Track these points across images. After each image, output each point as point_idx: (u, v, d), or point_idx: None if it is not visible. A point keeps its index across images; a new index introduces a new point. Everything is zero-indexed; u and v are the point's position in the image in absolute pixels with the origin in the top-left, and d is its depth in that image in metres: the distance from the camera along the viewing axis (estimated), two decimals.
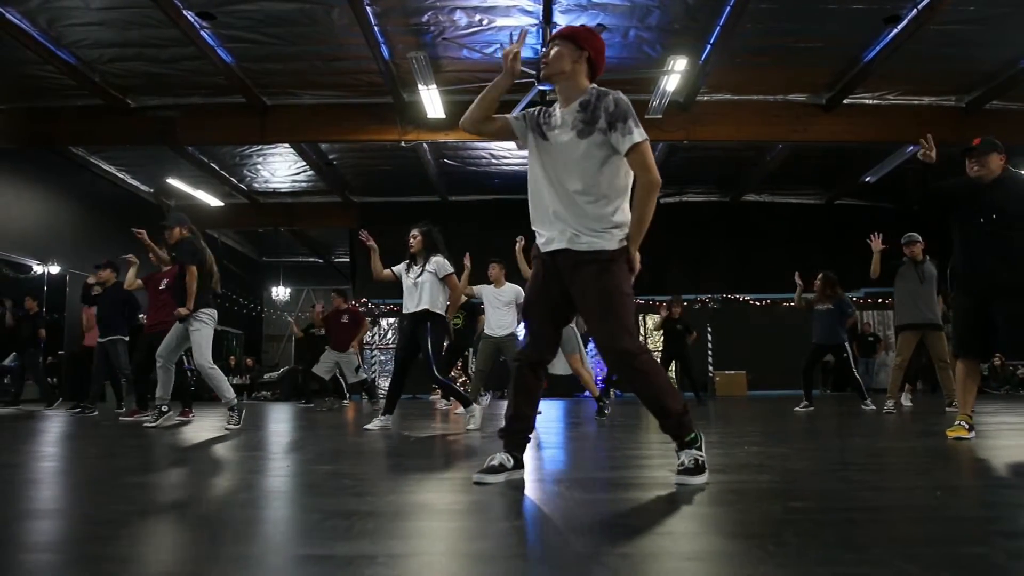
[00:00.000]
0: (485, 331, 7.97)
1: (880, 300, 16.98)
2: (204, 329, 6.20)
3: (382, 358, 16.93)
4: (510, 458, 2.77)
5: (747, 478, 2.81)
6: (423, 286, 6.00)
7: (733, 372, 15.79)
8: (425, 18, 9.42)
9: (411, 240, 6.24)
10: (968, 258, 4.33)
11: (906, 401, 9.13)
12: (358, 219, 17.59)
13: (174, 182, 15.09)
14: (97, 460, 3.97)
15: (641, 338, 16.66)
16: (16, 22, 9.19)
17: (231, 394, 6.25)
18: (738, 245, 16.97)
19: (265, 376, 16.64)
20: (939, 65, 10.78)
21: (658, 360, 10.81)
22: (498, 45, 10.17)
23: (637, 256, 2.83)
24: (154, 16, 9.07)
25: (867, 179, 14.87)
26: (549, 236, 2.85)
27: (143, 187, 16.20)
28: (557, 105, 2.95)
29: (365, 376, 11.19)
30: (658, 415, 2.69)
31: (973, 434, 4.33)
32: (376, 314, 16.71)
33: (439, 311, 5.98)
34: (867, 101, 12.06)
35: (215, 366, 6.20)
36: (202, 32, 9.59)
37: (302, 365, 12.13)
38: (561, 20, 9.45)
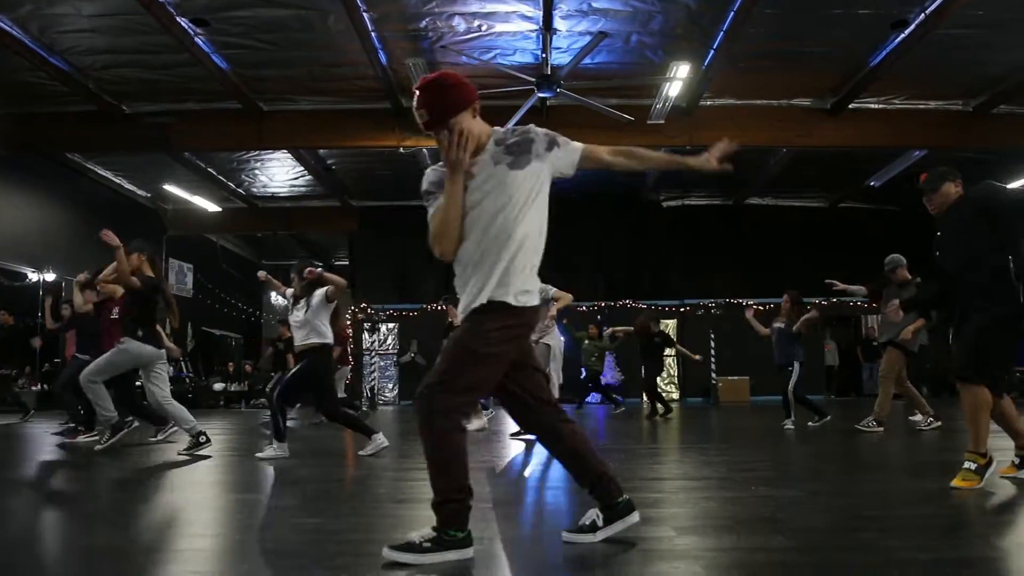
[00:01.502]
0: None
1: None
2: (119, 354, 6.00)
3: (381, 364, 16.77)
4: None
5: (758, 544, 2.61)
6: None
7: (736, 378, 15.61)
8: (423, 24, 9.25)
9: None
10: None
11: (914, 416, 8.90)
12: (358, 223, 17.47)
13: (171, 188, 14.93)
14: None
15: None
16: (7, 29, 9.03)
17: (109, 413, 6.13)
18: (741, 249, 16.79)
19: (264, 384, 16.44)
20: (946, 69, 10.60)
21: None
22: (497, 51, 10.00)
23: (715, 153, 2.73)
24: (147, 23, 8.90)
25: (872, 183, 14.68)
26: None
27: (141, 192, 16.06)
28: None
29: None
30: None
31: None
32: (375, 320, 16.55)
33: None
34: (873, 106, 11.88)
35: (98, 383, 5.99)
36: (196, 39, 9.43)
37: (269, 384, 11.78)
38: (561, 26, 9.28)
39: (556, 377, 7.26)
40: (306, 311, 5.73)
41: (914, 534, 2.73)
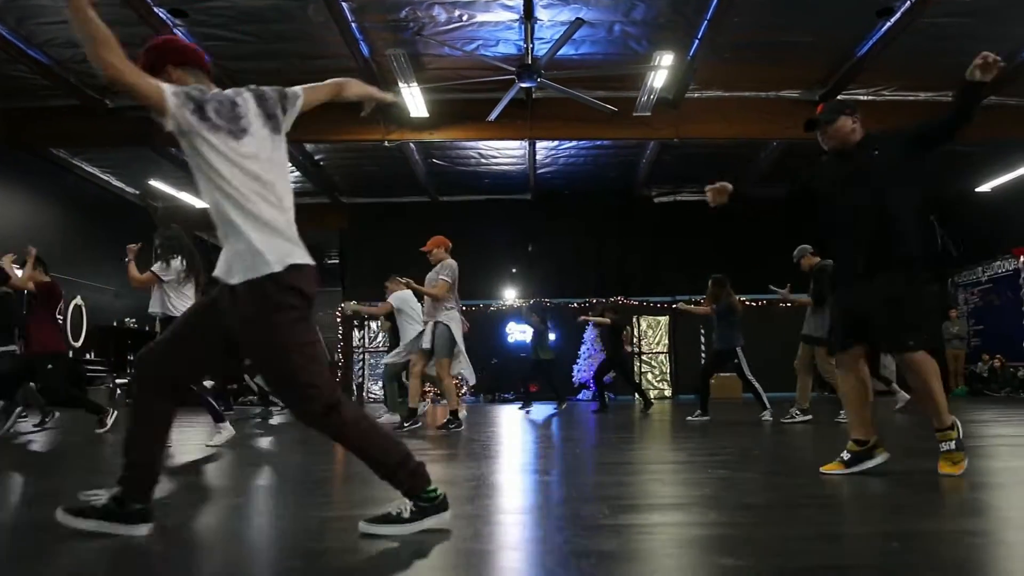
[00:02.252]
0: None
1: None
2: None
3: (371, 361, 16.68)
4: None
5: (690, 519, 2.53)
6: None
7: (727, 375, 15.45)
8: (403, 14, 9.16)
9: None
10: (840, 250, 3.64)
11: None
12: (348, 220, 17.37)
13: (157, 184, 14.85)
14: None
15: (636, 339, 16.38)
16: None
17: None
18: (733, 244, 16.65)
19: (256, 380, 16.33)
20: (935, 59, 10.48)
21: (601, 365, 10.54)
22: (480, 42, 9.92)
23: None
24: (125, 14, 8.80)
25: None
26: None
27: (128, 189, 15.98)
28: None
29: None
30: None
31: (857, 467, 3.44)
32: (365, 317, 16.45)
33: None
34: (862, 97, 11.74)
35: None
36: (175, 30, 9.34)
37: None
38: (542, 15, 9.19)
39: (464, 362, 6.94)
40: None
41: (855, 511, 2.63)
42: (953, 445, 3.29)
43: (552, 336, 12.70)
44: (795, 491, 3.11)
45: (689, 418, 8.10)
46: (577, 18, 7.99)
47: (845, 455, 3.47)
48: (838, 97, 11.42)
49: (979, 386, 14.64)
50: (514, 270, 17.38)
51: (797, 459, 4.61)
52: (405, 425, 6.95)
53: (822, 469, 3.48)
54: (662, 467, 4.09)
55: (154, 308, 6.05)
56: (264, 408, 10.46)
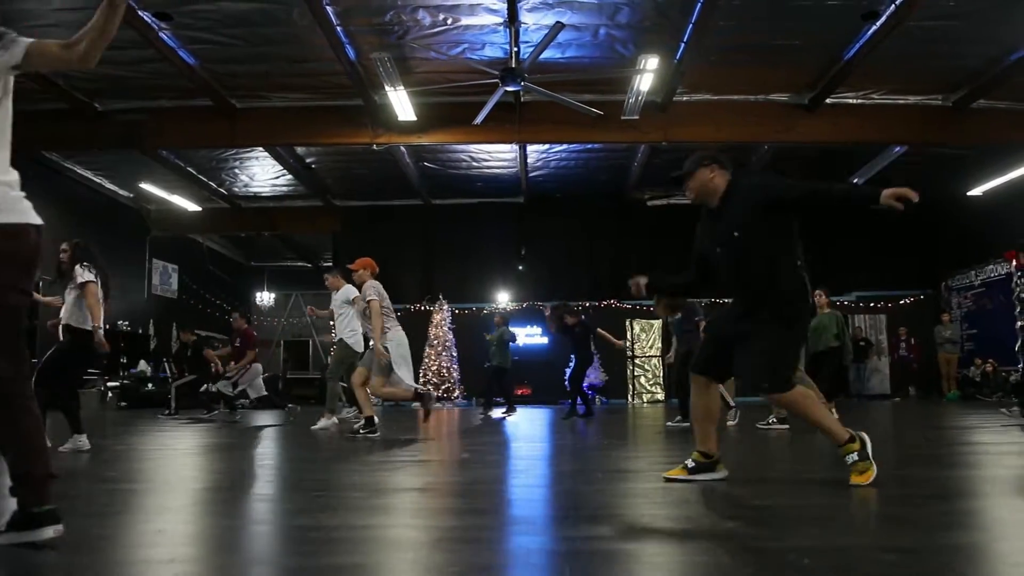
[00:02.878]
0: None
1: (872, 304, 16.65)
2: None
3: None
4: None
5: (576, 534, 2.48)
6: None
7: None
8: (388, 17, 9.16)
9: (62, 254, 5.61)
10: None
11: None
12: (341, 223, 17.38)
13: (148, 187, 14.86)
14: None
15: (629, 342, 16.32)
16: None
17: None
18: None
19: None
20: (923, 63, 10.47)
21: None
22: (466, 45, 9.92)
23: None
24: None
25: (854, 180, 14.53)
26: None
27: (122, 192, 16.00)
28: None
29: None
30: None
31: (701, 476, 3.47)
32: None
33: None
34: (851, 101, 11.75)
35: None
36: (161, 33, 9.36)
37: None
38: (527, 19, 9.19)
39: (405, 373, 6.70)
40: None
41: (778, 525, 2.59)
42: (856, 456, 3.31)
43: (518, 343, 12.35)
44: (730, 501, 3.07)
45: (669, 423, 8.06)
46: (557, 22, 7.98)
47: (690, 463, 3.54)
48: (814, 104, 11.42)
49: (972, 390, 14.59)
50: (520, 267, 17.27)
51: (753, 464, 4.58)
52: (361, 432, 6.65)
53: (665, 475, 3.55)
54: (610, 476, 4.07)
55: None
56: (229, 410, 10.39)
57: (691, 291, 4.41)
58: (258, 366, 11.10)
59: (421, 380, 15.29)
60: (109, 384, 14.15)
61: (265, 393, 11.43)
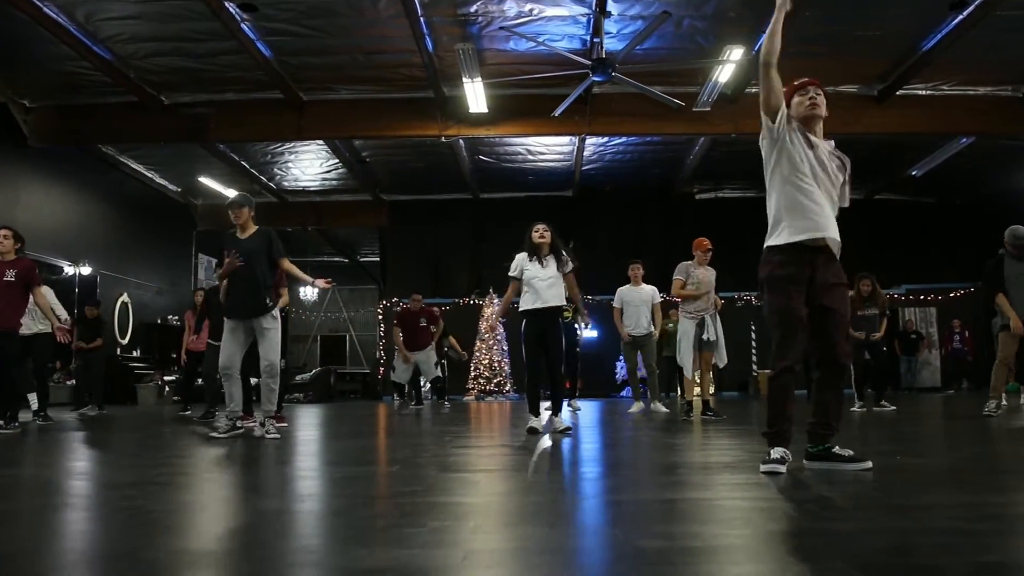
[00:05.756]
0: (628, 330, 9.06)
1: (923, 297, 16.56)
2: None
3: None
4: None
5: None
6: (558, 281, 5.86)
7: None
8: (474, 8, 9.11)
9: (541, 235, 5.97)
10: None
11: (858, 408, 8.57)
12: (388, 217, 17.36)
13: (205, 180, 14.89)
14: None
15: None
16: (53, 16, 8.94)
17: None
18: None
19: (296, 378, 16.35)
20: (999, 53, 10.38)
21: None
22: (545, 36, 9.85)
23: None
24: (194, 8, 8.80)
25: (913, 172, 14.48)
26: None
27: (172, 187, 15.99)
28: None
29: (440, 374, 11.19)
30: None
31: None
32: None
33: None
34: (920, 92, 11.68)
35: None
36: (243, 25, 9.32)
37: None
38: (614, 9, 9.13)
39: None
40: None
41: (686, 521, 2.30)
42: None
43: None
44: (660, 505, 2.65)
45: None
46: (664, 11, 7.94)
47: None
48: (900, 93, 11.32)
49: None
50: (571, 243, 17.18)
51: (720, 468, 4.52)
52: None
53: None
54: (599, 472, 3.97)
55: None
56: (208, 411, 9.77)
57: None
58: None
59: (472, 374, 15.29)
60: (165, 378, 14.14)
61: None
